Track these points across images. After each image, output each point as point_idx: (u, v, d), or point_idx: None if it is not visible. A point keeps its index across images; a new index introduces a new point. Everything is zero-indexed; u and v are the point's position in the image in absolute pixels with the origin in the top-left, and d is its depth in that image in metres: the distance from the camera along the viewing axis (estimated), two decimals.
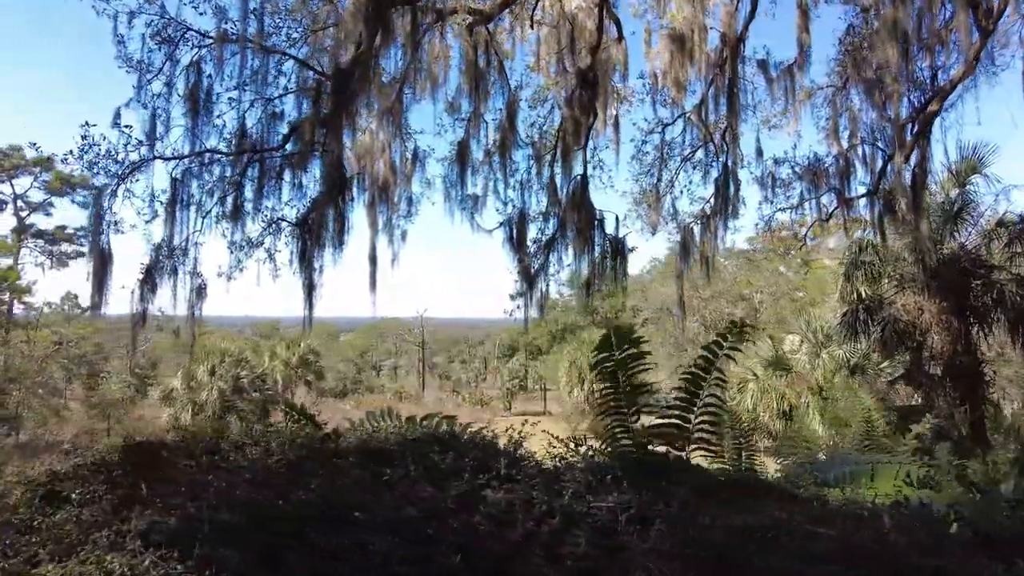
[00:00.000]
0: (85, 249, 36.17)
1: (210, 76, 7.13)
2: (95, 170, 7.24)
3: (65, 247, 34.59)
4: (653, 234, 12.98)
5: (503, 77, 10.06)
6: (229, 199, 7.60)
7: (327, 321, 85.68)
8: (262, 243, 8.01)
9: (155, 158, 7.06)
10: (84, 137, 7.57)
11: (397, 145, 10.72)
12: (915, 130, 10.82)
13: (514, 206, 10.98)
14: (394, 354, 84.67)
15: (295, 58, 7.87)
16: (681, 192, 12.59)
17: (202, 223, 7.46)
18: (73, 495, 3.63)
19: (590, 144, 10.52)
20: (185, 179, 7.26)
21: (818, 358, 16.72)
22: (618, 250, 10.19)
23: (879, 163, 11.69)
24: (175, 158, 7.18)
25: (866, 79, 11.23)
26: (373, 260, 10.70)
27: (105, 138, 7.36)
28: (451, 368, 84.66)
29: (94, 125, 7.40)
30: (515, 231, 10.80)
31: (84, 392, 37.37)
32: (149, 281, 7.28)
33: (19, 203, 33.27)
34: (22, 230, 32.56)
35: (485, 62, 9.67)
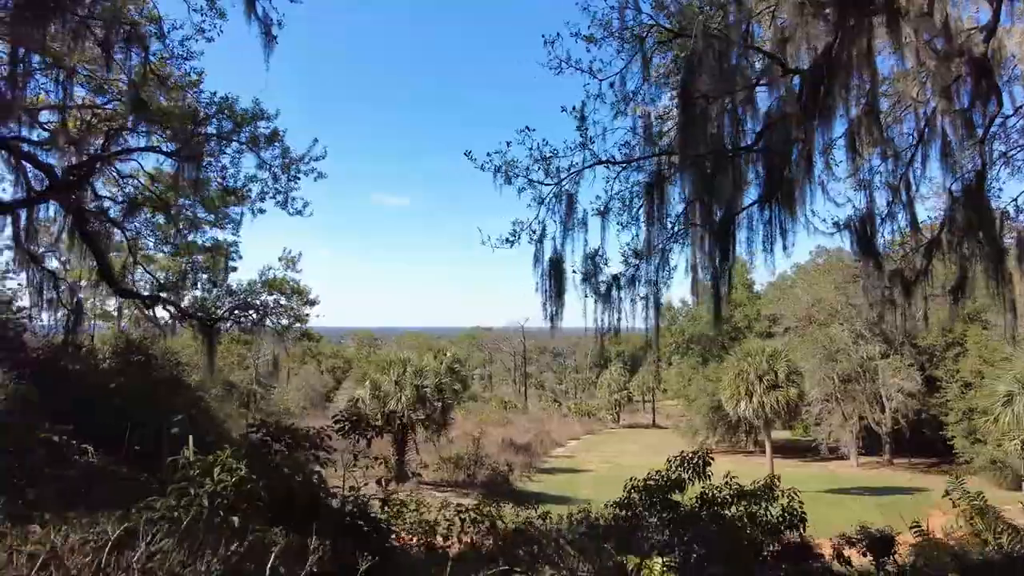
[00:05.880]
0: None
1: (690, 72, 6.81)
2: (543, 177, 7.04)
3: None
4: None
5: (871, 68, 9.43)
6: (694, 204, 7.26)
7: (416, 331, 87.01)
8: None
9: (648, 156, 6.78)
10: (507, 143, 7.40)
11: None
12: None
13: (853, 206, 10.40)
14: (488, 363, 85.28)
15: (768, 54, 7.50)
16: (1000, 191, 11.72)
17: (673, 229, 7.14)
18: None
19: None
20: (666, 183, 6.96)
21: None
22: (1000, 255, 9.35)
23: None
24: (637, 158, 6.89)
25: None
26: (695, 268, 10.29)
27: (546, 142, 7.16)
28: (544, 378, 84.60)
29: (533, 130, 7.25)
30: (862, 232, 10.16)
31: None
32: (611, 290, 7.00)
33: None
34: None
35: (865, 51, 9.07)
